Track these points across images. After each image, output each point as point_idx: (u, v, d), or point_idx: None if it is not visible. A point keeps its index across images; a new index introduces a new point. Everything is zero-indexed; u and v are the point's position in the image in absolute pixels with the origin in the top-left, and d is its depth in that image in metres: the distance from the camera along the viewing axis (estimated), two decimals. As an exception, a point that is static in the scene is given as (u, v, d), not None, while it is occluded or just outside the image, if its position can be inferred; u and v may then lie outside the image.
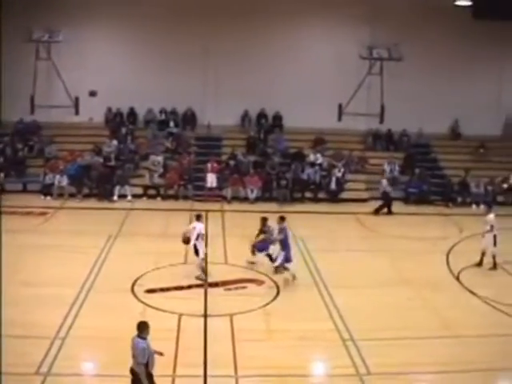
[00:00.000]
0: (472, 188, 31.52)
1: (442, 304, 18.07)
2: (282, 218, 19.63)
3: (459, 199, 31.24)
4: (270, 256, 20.11)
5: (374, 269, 20.94)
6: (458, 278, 20.36)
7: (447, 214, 29.66)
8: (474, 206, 30.63)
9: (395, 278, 20.20)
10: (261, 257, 20.44)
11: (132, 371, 11.35)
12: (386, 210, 29.29)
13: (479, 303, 18.33)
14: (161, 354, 11.60)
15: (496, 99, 35.02)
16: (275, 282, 19.07)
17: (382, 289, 19.03)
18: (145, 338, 11.28)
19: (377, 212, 29.15)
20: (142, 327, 11.38)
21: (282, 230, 19.28)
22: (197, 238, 19.17)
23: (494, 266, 21.31)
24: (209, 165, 31.10)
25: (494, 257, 21.31)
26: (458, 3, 29.95)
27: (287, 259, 19.16)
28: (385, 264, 21.55)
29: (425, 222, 28.11)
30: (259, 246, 20.51)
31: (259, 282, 19.18)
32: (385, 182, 30.59)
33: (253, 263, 20.57)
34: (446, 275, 20.75)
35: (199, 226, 19.45)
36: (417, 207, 30.37)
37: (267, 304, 17.60)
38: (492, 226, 21.33)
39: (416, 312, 17.42)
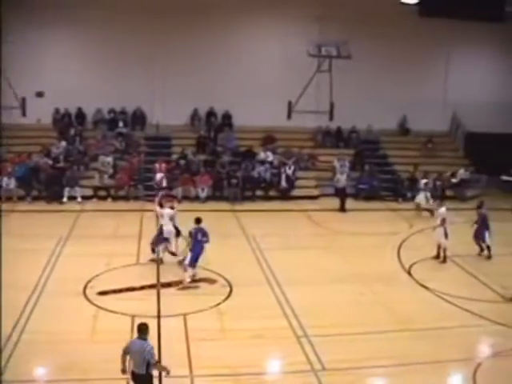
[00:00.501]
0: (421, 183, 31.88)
1: (395, 298, 18.30)
2: (198, 221, 19.34)
3: (409, 194, 31.55)
4: (170, 252, 20.59)
5: (327, 265, 21.04)
6: (409, 272, 20.63)
7: (397, 209, 30.01)
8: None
9: (348, 274, 20.26)
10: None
11: (133, 374, 11.30)
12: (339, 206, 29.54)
13: (431, 296, 18.61)
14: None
15: (443, 95, 35.69)
16: (228, 281, 19.03)
17: (334, 285, 19.13)
18: (146, 339, 11.29)
19: (343, 209, 29.30)
20: (143, 329, 11.40)
21: (191, 235, 18.85)
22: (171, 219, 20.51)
23: (444, 259, 21.64)
24: (157, 165, 30.91)
25: (444, 250, 21.65)
26: (403, 1, 30.19)
27: (195, 259, 18.83)
28: (337, 260, 21.68)
29: (375, 217, 28.41)
30: (158, 241, 20.55)
31: (212, 281, 19.12)
32: (339, 176, 30.67)
33: (154, 261, 20.54)
34: (398, 270, 21.02)
35: (168, 212, 20.73)
36: (367, 203, 30.69)
37: (220, 303, 17.56)
38: (443, 220, 21.68)
39: (369, 307, 17.58)
